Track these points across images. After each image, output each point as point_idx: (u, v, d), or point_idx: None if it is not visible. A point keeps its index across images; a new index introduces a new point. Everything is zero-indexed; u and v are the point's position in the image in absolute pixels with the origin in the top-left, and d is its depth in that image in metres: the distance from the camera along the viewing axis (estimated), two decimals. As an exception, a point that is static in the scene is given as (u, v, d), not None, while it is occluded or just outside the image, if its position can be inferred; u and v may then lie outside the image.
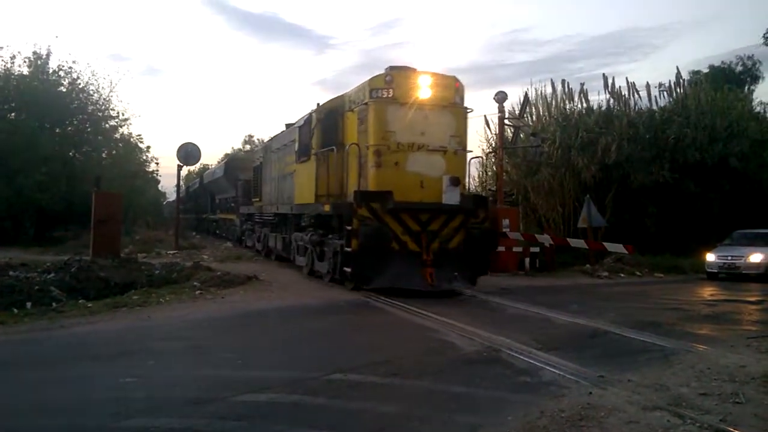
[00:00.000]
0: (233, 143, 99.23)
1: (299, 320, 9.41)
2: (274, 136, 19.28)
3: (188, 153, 23.87)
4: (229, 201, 29.07)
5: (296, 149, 15.24)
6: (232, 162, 29.94)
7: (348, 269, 11.81)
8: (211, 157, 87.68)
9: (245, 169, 24.93)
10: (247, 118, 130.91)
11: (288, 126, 17.52)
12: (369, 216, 11.46)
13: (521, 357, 6.75)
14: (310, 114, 14.33)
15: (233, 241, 27.29)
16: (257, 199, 20.80)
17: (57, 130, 26.94)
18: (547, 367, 6.28)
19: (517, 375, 6.08)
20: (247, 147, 61.93)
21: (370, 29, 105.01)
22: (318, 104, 14.25)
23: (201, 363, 6.56)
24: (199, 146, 24.22)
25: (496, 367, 6.44)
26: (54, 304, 10.05)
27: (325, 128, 13.67)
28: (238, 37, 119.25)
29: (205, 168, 50.03)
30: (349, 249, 11.55)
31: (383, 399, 5.24)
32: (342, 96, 13.92)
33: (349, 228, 11.53)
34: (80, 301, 10.46)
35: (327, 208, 12.67)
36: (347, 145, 12.72)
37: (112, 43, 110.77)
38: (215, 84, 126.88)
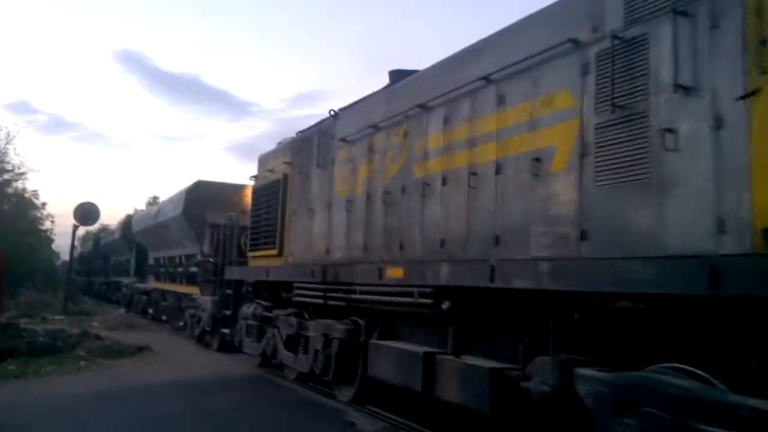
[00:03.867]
0: (136, 204, 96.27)
1: (189, 396, 8.87)
2: (348, 107, 8.82)
3: (86, 212, 22.93)
4: (179, 261, 18.07)
5: None
6: (197, 191, 16.34)
7: None
8: (111, 217, 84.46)
9: (221, 204, 14.32)
10: (153, 180, 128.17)
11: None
12: None
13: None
14: None
15: (192, 337, 15.23)
16: (272, 252, 10.08)
17: (-58, 182, 25.32)
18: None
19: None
20: (153, 208, 55.46)
21: (289, 99, 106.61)
22: None
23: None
24: (97, 206, 23.28)
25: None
26: None
27: None
28: (151, 97, 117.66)
29: (103, 228, 46.93)
30: None
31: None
32: None
33: None
34: (-53, 371, 9.54)
35: None
36: None
37: (15, 92, 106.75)
38: (122, 142, 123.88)
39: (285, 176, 10.04)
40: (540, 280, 4.73)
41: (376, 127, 7.62)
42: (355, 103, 8.65)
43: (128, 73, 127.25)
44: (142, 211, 33.62)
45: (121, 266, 28.55)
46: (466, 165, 5.87)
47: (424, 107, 6.69)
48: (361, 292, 7.30)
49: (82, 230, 26.54)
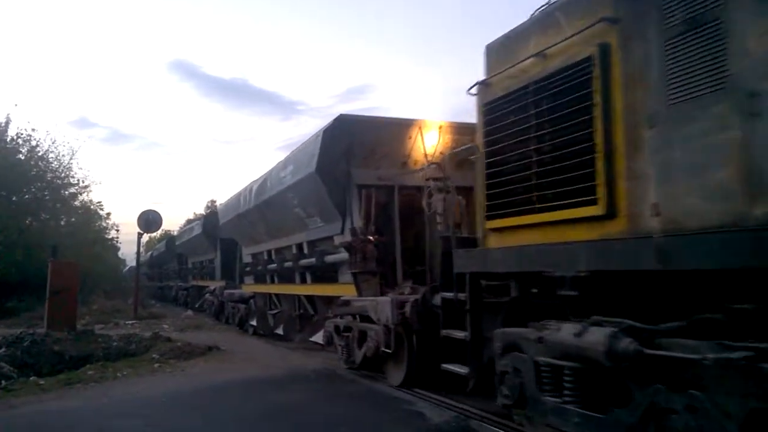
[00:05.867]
0: (195, 209, 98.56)
1: (261, 394, 9.06)
2: None
3: (149, 220, 23.67)
4: (298, 252, 12.39)
5: None
6: (338, 132, 9.36)
7: None
8: (172, 223, 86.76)
9: (376, 154, 9.48)
10: (210, 184, 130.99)
11: None
12: None
13: (492, 427, 6.57)
14: None
15: (348, 363, 9.82)
16: (579, 211, 4.74)
17: (14, 198, 26.42)
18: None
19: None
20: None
21: (338, 95, 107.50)
22: None
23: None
24: (160, 213, 23.97)
25: (467, 438, 6.24)
26: (3, 382, 9.61)
27: None
28: (204, 103, 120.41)
29: (166, 234, 47.98)
30: None
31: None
32: None
33: None
34: (32, 378, 10.01)
35: None
36: None
37: (76, 109, 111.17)
38: (178, 150, 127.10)
39: (603, 51, 4.65)
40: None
41: None
42: None
43: (183, 81, 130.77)
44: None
45: (203, 268, 24.69)
46: None
47: None
48: None
49: (145, 236, 27.22)
